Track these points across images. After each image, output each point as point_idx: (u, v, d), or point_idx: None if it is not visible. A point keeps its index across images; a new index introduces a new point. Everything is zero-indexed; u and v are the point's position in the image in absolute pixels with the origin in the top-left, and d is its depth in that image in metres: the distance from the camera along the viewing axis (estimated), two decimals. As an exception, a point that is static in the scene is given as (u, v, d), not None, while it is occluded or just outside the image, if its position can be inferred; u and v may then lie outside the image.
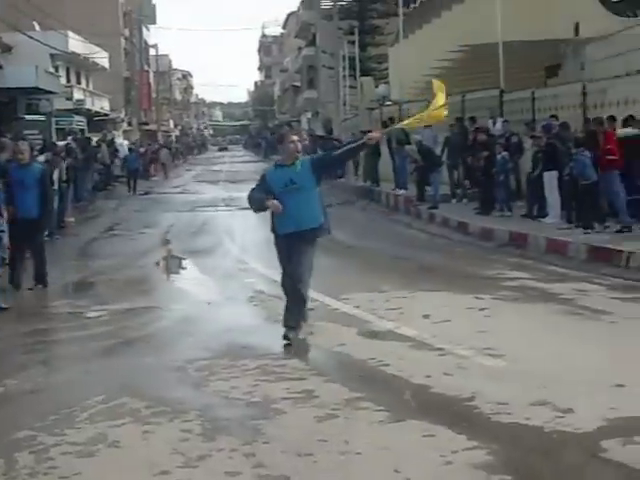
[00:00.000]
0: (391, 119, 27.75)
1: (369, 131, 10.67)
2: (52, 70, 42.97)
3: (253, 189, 8.68)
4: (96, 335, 9.42)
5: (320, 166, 8.76)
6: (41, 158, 17.27)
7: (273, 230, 8.86)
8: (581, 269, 12.87)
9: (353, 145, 9.06)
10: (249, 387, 7.05)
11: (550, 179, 16.73)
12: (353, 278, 12.65)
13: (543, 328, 9.04)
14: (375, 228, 20.55)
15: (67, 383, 7.30)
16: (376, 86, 37.38)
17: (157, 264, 15.13)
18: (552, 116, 19.39)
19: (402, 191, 24.85)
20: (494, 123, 22.14)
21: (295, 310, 8.77)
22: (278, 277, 12.53)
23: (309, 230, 8.68)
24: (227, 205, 27.04)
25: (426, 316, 9.59)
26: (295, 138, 8.67)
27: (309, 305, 10.44)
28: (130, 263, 15.01)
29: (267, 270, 13.28)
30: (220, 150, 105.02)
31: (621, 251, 13.12)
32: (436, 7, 33.02)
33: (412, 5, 38.08)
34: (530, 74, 26.89)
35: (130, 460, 5.54)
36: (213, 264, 14.55)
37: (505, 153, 18.81)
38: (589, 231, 14.93)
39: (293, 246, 8.70)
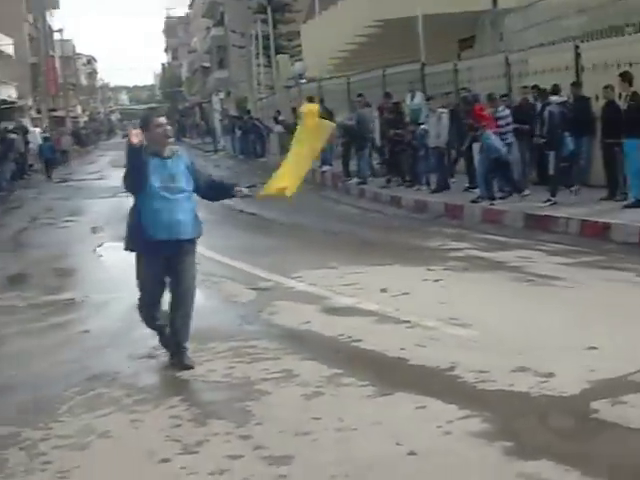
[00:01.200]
0: (310, 98, 27.69)
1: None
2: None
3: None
4: (54, 326, 9.25)
5: (197, 177, 7.28)
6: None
7: (133, 237, 7.10)
8: (519, 237, 13.08)
9: (226, 189, 7.65)
10: (226, 370, 6.99)
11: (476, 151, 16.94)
12: (298, 256, 12.65)
13: (501, 296, 9.17)
14: (305, 205, 20.44)
15: (38, 376, 7.14)
16: (292, 64, 37.28)
17: (94, 252, 14.86)
18: (463, 88, 19.60)
19: (327, 167, 24.89)
20: (412, 97, 22.19)
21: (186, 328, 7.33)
22: (223, 258, 12.68)
23: (187, 241, 7.16)
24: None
25: (383, 290, 9.63)
26: (163, 121, 7.09)
27: (264, 285, 10.49)
28: (68, 252, 14.76)
29: (210, 252, 13.20)
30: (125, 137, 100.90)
31: (558, 217, 13.38)
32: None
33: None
34: (444, 47, 27.13)
35: (127, 450, 5.44)
36: (153, 249, 14.37)
37: (424, 127, 18.84)
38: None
39: (169, 260, 7.11)
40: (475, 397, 5.95)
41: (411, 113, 20.58)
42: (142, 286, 7.31)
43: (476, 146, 16.35)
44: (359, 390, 6.23)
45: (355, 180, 21.30)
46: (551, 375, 6.23)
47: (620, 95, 14.24)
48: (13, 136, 32.83)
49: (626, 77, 13.85)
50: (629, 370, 6.24)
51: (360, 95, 23.51)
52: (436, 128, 18.02)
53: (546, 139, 14.82)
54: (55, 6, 76.38)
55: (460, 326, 7.79)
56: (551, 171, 14.95)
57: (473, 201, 15.70)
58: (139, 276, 7.28)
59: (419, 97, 21.89)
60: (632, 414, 5.40)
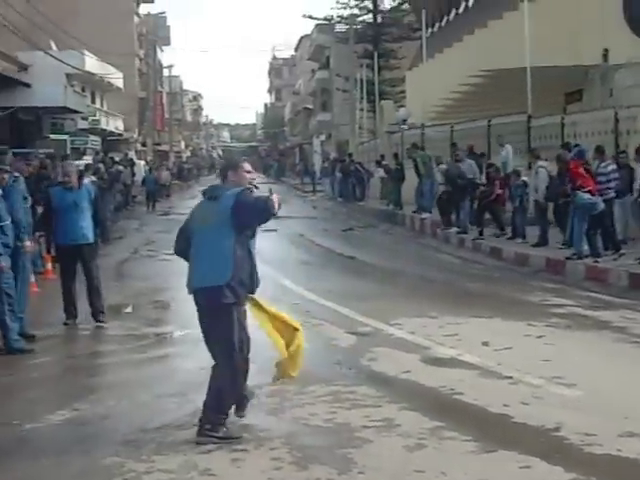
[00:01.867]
0: (414, 145, 27.78)
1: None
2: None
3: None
4: (154, 359, 9.38)
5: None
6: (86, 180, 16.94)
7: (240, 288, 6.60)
8: (624, 296, 12.81)
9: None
10: (326, 414, 6.99)
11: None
12: (397, 302, 12.61)
13: (606, 357, 8.99)
14: (404, 252, 20.53)
15: (139, 407, 7.23)
16: (396, 110, 37.41)
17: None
18: (563, 145, 19.25)
19: (427, 214, 24.85)
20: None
21: None
22: (322, 300, 12.72)
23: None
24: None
25: (485, 343, 9.53)
26: (250, 168, 6.99)
27: (363, 330, 10.46)
28: (168, 285, 14.93)
29: (310, 294, 13.32)
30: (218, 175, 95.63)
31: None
32: (458, 31, 33.07)
33: (431, 29, 38.24)
34: (550, 99, 26.94)
35: (229, 489, 5.47)
36: (254, 287, 14.51)
37: (524, 179, 18.69)
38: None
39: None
40: (582, 460, 5.83)
41: (501, 166, 20.64)
42: (241, 344, 6.61)
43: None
44: (462, 445, 6.15)
45: (455, 229, 21.18)
46: (660, 443, 6.06)
47: None
48: (120, 168, 33.56)
49: None
50: None
51: (454, 145, 23.70)
52: (534, 182, 17.87)
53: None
54: (166, 43, 78.24)
55: (564, 385, 7.65)
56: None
57: (568, 258, 15.44)
58: (238, 333, 6.57)
59: (506, 150, 21.82)
60: None
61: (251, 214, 6.55)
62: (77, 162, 30.90)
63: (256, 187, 7.10)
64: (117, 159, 37.04)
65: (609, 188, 15.69)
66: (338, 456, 5.97)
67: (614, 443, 6.09)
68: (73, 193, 11.30)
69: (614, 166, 16.04)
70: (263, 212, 6.51)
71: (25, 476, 5.91)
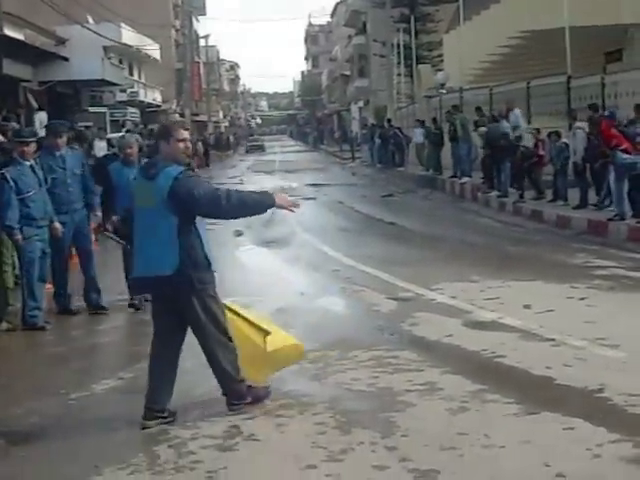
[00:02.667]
0: (455, 107, 27.55)
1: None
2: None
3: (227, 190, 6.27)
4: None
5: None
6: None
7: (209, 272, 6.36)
8: (669, 257, 12.69)
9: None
10: (369, 379, 7.01)
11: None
12: (438, 267, 12.60)
13: (650, 317, 8.91)
14: (444, 216, 20.46)
15: (184, 374, 7.22)
16: (433, 74, 37.16)
17: (236, 254, 15.13)
18: (590, 106, 18.75)
19: (467, 179, 24.73)
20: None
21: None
22: (362, 266, 12.74)
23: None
24: (289, 195, 26.97)
25: (527, 306, 9.47)
26: (187, 135, 6.32)
27: (404, 295, 10.48)
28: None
29: (350, 260, 13.34)
30: (250, 150, 78.81)
31: None
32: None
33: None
34: (590, 60, 26.59)
35: (273, 454, 5.52)
36: (295, 254, 14.60)
37: (564, 141, 18.49)
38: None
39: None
40: (626, 421, 5.79)
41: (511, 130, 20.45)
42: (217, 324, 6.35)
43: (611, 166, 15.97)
44: (505, 407, 6.15)
45: (495, 192, 21.05)
46: None
47: None
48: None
49: None
50: None
51: (479, 109, 23.56)
52: (572, 144, 17.69)
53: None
54: (202, 13, 78.14)
55: (607, 347, 7.60)
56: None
57: (610, 219, 15.29)
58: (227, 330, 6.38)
59: (515, 115, 21.46)
60: None
61: (194, 205, 6.00)
62: (112, 135, 31.11)
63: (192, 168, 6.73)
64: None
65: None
66: (381, 420, 5.99)
67: (658, 403, 6.05)
68: (132, 169, 9.91)
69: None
70: (214, 204, 6.01)
71: (72, 444, 6.01)
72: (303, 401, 6.52)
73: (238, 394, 6.33)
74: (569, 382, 6.69)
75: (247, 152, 77.60)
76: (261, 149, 79.63)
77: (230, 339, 6.30)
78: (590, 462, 5.12)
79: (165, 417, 6.18)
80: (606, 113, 17.59)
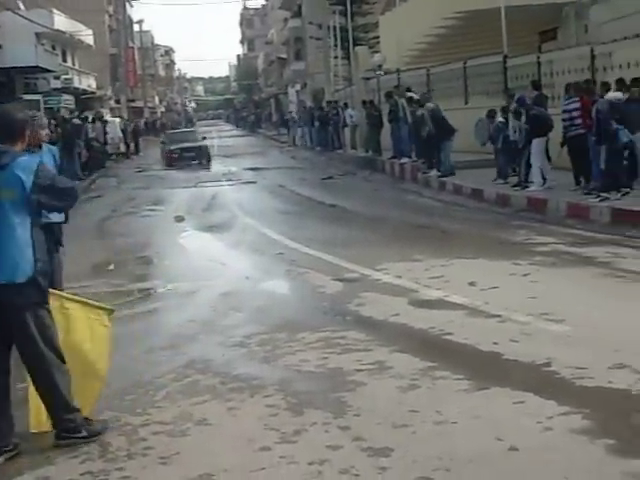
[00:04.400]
0: (397, 87, 27.54)
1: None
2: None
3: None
4: (144, 313, 9.37)
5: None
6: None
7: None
8: (607, 232, 12.84)
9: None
10: (318, 360, 7.01)
11: (537, 146, 16.73)
12: (382, 248, 12.63)
13: (592, 292, 9.03)
14: (385, 197, 20.52)
15: (132, 361, 7.22)
16: (370, 56, 37.15)
17: (178, 240, 15.02)
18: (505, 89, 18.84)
19: (406, 159, 24.79)
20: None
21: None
22: (305, 248, 12.73)
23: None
24: (229, 180, 27.01)
25: (472, 283, 9.55)
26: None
27: (350, 276, 10.47)
28: (151, 240, 14.93)
29: (294, 243, 13.32)
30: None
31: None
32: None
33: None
34: (525, 39, 26.83)
35: (225, 438, 5.48)
36: (237, 238, 14.53)
37: (501, 120, 18.66)
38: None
39: None
40: (574, 393, 5.87)
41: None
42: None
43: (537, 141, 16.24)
44: (455, 383, 6.19)
45: (435, 172, 21.14)
46: (651, 373, 6.12)
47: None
48: (76, 121, 32.05)
49: None
50: None
51: (409, 90, 23.60)
52: (513, 122, 17.84)
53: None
54: (135, -3, 77.32)
55: (552, 321, 7.69)
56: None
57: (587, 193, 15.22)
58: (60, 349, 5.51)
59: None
60: None
61: (54, 197, 5.46)
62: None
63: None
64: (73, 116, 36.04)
65: (573, 125, 15.72)
66: (332, 400, 5.99)
67: (605, 375, 6.13)
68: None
69: (577, 104, 15.89)
70: (67, 196, 5.59)
71: (18, 432, 5.87)
72: (253, 384, 6.49)
73: (72, 426, 5.49)
74: (517, 357, 6.76)
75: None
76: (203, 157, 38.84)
77: (63, 360, 5.46)
78: (541, 435, 5.17)
79: (11, 450, 5.38)
80: (516, 96, 17.70)
